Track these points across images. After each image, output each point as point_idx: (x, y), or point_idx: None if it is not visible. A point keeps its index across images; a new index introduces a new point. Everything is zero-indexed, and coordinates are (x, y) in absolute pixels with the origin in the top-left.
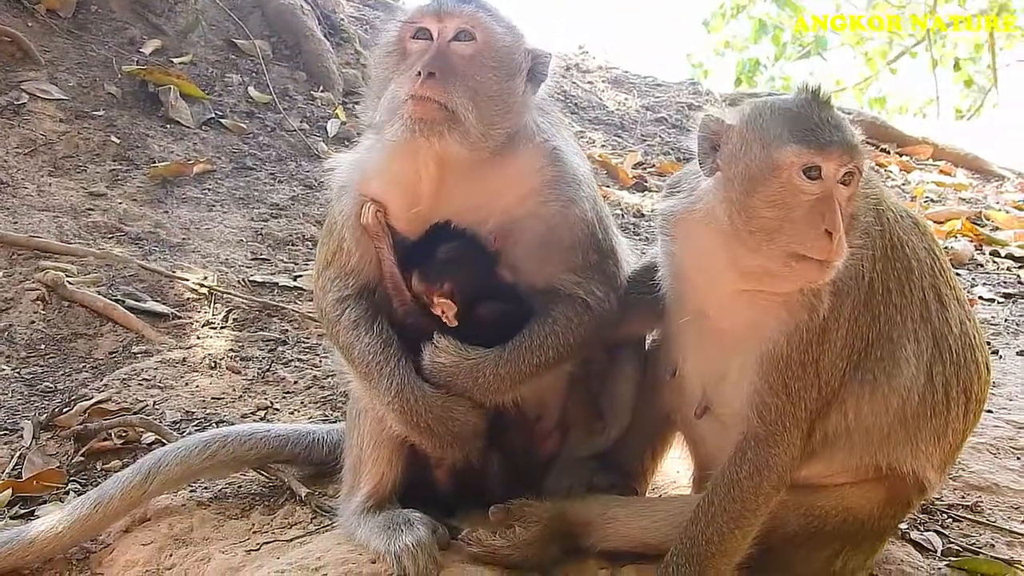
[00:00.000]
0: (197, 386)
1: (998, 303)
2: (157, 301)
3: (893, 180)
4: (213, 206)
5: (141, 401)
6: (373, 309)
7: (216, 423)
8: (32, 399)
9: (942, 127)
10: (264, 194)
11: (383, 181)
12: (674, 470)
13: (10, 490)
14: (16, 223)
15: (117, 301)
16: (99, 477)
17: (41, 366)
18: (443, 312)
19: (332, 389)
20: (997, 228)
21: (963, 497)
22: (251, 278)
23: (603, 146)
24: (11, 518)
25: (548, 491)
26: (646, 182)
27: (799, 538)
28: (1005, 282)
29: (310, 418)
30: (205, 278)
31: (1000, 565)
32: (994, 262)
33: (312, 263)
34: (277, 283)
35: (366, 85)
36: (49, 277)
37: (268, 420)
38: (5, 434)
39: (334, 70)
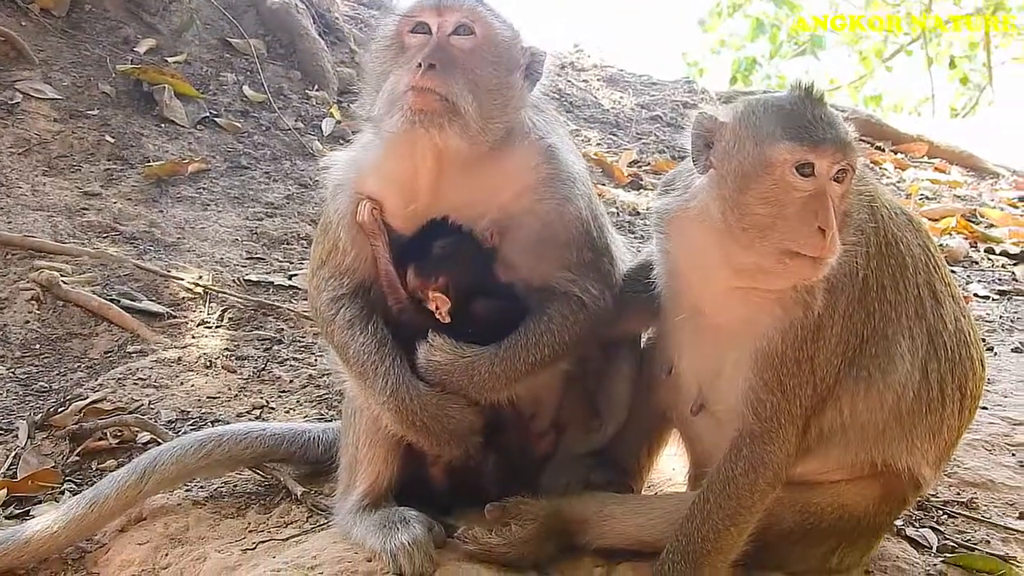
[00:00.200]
0: (192, 385)
1: (993, 300)
2: (152, 300)
3: (888, 178)
4: (208, 205)
5: (136, 400)
6: (368, 308)
7: (212, 422)
8: (27, 399)
9: (937, 125)
10: (259, 193)
11: (379, 178)
12: (670, 467)
13: (5, 490)
14: (10, 223)
15: (112, 300)
16: (94, 477)
17: (36, 366)
18: (437, 307)
19: (327, 388)
20: (992, 225)
21: (958, 493)
22: (246, 277)
23: (598, 144)
24: (6, 518)
25: (544, 489)
26: (641, 180)
27: (795, 535)
28: (1000, 279)
29: (305, 417)
30: (200, 277)
31: (995, 561)
32: (989, 259)
33: (307, 262)
34: (272, 282)
35: (362, 81)
36: (44, 277)
37: (264, 419)
38: (0, 434)
39: (329, 69)
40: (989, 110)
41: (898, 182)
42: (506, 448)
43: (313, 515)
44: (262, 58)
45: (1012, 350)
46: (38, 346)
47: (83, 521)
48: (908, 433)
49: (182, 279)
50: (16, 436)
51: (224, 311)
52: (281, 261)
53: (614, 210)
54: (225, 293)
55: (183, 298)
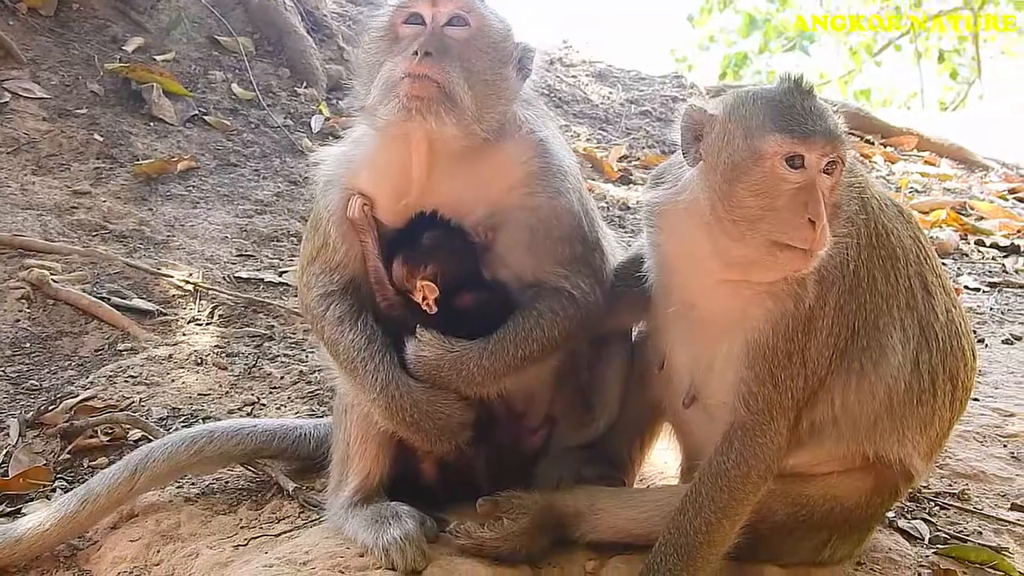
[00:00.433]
0: (183, 382)
1: (983, 292)
2: (142, 298)
3: (878, 171)
4: (197, 203)
5: (127, 398)
6: (358, 304)
7: (203, 419)
8: (18, 397)
9: (927, 118)
10: (248, 190)
11: (371, 173)
12: (662, 461)
13: None
14: (0, 222)
15: (102, 299)
16: (86, 474)
17: (26, 364)
18: (424, 297)
19: (318, 384)
20: (982, 218)
21: (950, 485)
22: (236, 274)
23: (588, 140)
24: None
25: (536, 483)
26: (631, 175)
27: (787, 527)
28: (990, 271)
29: (297, 413)
30: (190, 275)
31: (988, 552)
32: (979, 251)
33: (297, 259)
34: (262, 279)
35: (354, 75)
36: (34, 275)
37: (255, 415)
38: None
39: (317, 66)
40: (979, 104)
41: (888, 175)
42: (497, 443)
43: (305, 511)
44: (250, 56)
45: (1003, 341)
46: (28, 344)
47: (75, 518)
48: (899, 425)
49: (172, 277)
50: (7, 434)
51: (214, 308)
52: (271, 258)
53: (604, 205)
54: (215, 290)
55: (173, 296)
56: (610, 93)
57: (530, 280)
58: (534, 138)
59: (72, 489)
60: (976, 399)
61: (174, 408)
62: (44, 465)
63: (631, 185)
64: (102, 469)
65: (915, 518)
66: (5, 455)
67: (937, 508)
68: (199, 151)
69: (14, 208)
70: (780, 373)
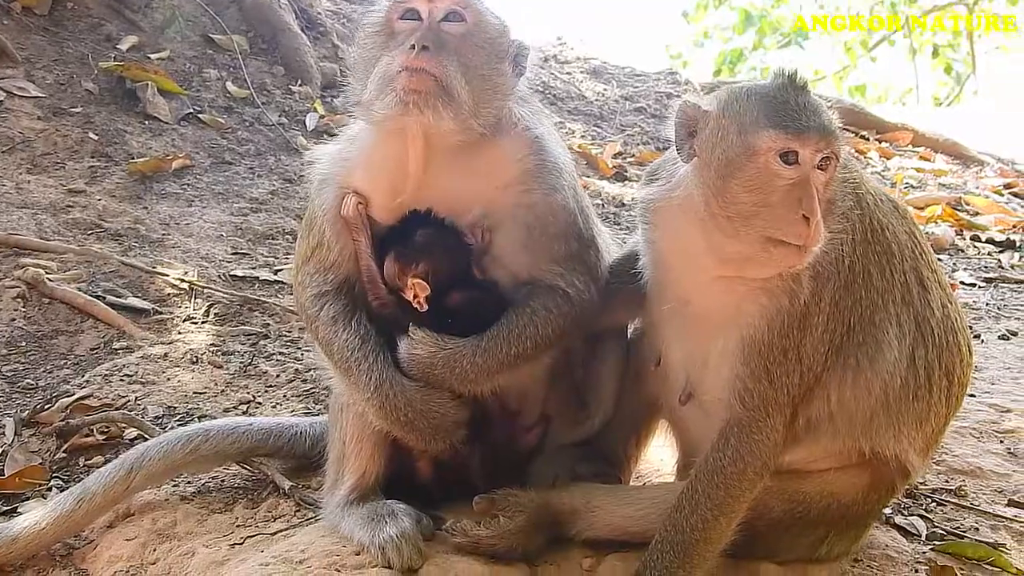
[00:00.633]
0: (179, 381)
1: (979, 287)
2: (138, 297)
3: (873, 166)
4: (192, 201)
5: (123, 397)
6: (352, 304)
7: (198, 417)
8: (13, 396)
9: (921, 114)
10: (243, 189)
11: (366, 171)
12: (658, 458)
13: None
14: None
15: (98, 297)
16: (81, 473)
17: (22, 363)
18: (415, 295)
19: (314, 382)
20: (977, 213)
21: (947, 481)
22: (232, 273)
23: (583, 136)
24: None
25: (532, 480)
26: (626, 172)
27: (784, 524)
28: (986, 267)
29: (292, 411)
30: (186, 273)
31: (984, 548)
32: (975, 247)
33: (292, 257)
34: (258, 277)
35: (349, 71)
36: (29, 274)
37: (250, 414)
38: None
39: (312, 64)
40: (974, 99)
41: (883, 171)
42: (492, 441)
43: (301, 509)
44: (245, 54)
45: (999, 337)
46: (24, 343)
47: (71, 517)
48: (895, 421)
49: (167, 275)
50: (3, 433)
51: (210, 307)
52: (266, 256)
53: (599, 202)
54: (211, 289)
55: (169, 294)
56: (605, 90)
57: (525, 278)
58: (530, 135)
59: (68, 488)
60: (972, 395)
61: (170, 407)
62: (40, 464)
63: (626, 182)
64: (98, 468)
65: (912, 514)
66: (1, 454)
67: (934, 504)
68: (194, 149)
69: (9, 207)
70: (776, 369)
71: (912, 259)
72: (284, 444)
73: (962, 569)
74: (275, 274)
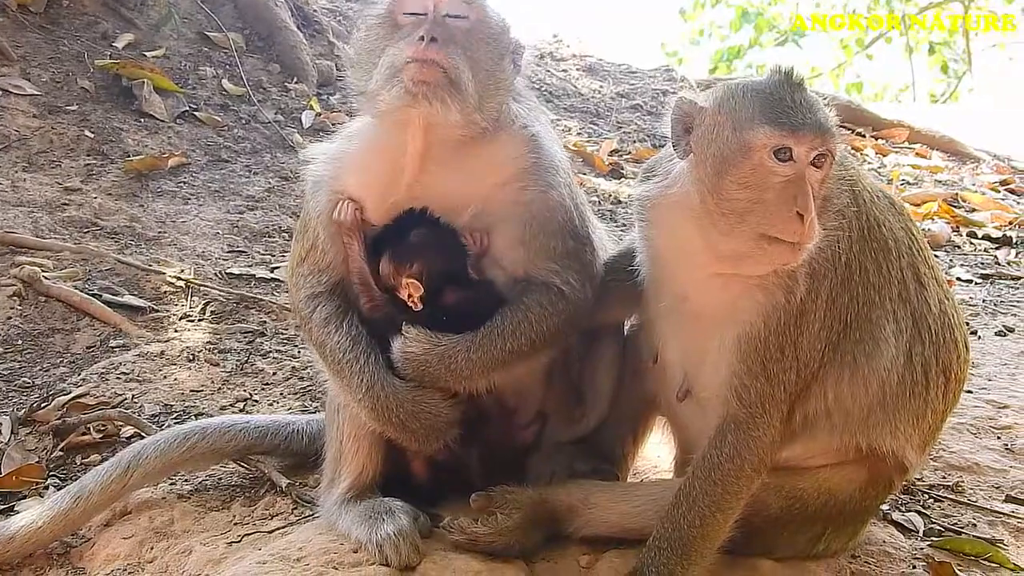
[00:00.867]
0: (175, 379)
1: (976, 284)
2: (134, 295)
3: (869, 163)
4: (189, 199)
5: (119, 395)
6: (345, 306)
7: (195, 415)
8: (10, 395)
9: (918, 111)
10: (240, 186)
11: (360, 173)
12: (655, 454)
13: None
14: None
15: (94, 295)
16: (78, 471)
17: (18, 361)
18: (410, 295)
19: (311, 380)
20: (974, 209)
21: (944, 477)
22: (228, 270)
23: (578, 134)
24: None
25: (530, 478)
26: (622, 169)
27: (781, 520)
28: (982, 263)
29: (289, 409)
30: (182, 271)
31: (982, 545)
32: (971, 243)
33: (288, 254)
34: (254, 275)
35: (350, 63)
36: (25, 272)
37: (247, 412)
38: None
39: (308, 61)
40: (970, 96)
41: (879, 168)
42: (489, 440)
43: (298, 507)
44: (241, 51)
45: (996, 333)
46: (20, 342)
47: (68, 516)
48: (893, 417)
49: (164, 273)
50: None
51: (206, 304)
52: (263, 254)
53: (595, 199)
54: (207, 286)
55: (165, 292)
56: (600, 87)
57: (520, 275)
58: (527, 133)
59: (65, 487)
60: (969, 391)
61: (166, 405)
62: (37, 462)
63: (622, 179)
64: (95, 466)
65: (909, 511)
66: None
67: (931, 501)
68: (190, 147)
69: (5, 205)
70: (772, 366)
71: (909, 256)
72: (281, 442)
73: (960, 565)
74: (271, 272)
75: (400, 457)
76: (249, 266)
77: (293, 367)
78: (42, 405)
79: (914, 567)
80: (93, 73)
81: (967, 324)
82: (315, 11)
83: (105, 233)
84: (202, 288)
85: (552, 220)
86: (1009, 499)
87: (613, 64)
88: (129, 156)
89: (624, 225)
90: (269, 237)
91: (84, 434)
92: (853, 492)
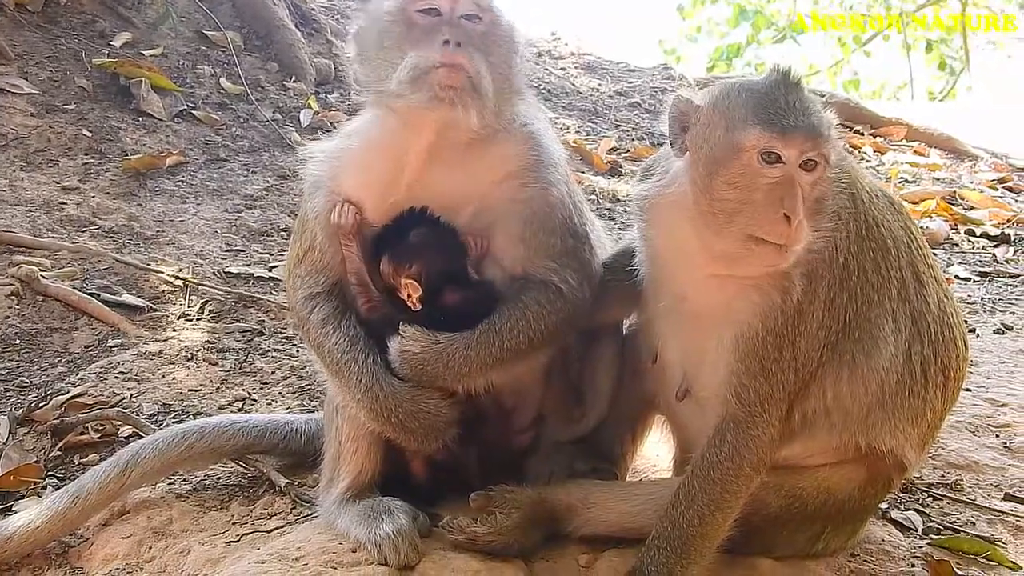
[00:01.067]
0: (174, 378)
1: (974, 282)
2: (132, 294)
3: (867, 161)
4: (187, 198)
5: (118, 394)
6: (343, 306)
7: (193, 415)
8: (8, 394)
9: (916, 108)
10: (238, 185)
11: (359, 173)
12: (654, 454)
13: None
14: None
15: (92, 295)
16: (77, 471)
17: (16, 361)
18: (409, 295)
19: (309, 379)
20: (972, 207)
21: (943, 476)
22: (226, 269)
23: (577, 132)
24: None
25: (529, 477)
26: (620, 167)
27: (781, 519)
28: (981, 261)
29: (288, 408)
30: (180, 270)
31: (981, 543)
32: (969, 241)
33: (287, 253)
34: (252, 274)
35: (358, 57)
36: (23, 271)
37: (246, 411)
38: None
39: (306, 60)
40: (968, 94)
41: (877, 166)
42: (487, 440)
43: (297, 506)
44: (239, 50)
45: (994, 331)
46: (18, 341)
47: (66, 516)
48: (892, 416)
49: (162, 272)
50: None
51: (204, 303)
52: (261, 253)
53: (593, 197)
54: (205, 285)
55: (163, 291)
56: (599, 85)
57: (518, 274)
58: (526, 130)
59: (63, 486)
60: (968, 389)
61: (165, 404)
62: (35, 462)
63: (620, 177)
64: (93, 466)
65: (908, 509)
66: None
67: (930, 499)
68: (188, 146)
69: (2, 204)
70: (771, 366)
71: (908, 255)
72: (280, 441)
73: (958, 563)
74: (270, 271)
75: (399, 457)
76: (247, 265)
77: (291, 366)
78: (40, 405)
79: (913, 565)
80: (91, 72)
81: (966, 322)
82: (313, 10)
83: (103, 232)
84: (200, 287)
85: (552, 217)
86: (1008, 497)
87: (611, 62)
88: (127, 155)
89: (623, 224)
90: (267, 236)
91: (82, 434)
92: (852, 491)
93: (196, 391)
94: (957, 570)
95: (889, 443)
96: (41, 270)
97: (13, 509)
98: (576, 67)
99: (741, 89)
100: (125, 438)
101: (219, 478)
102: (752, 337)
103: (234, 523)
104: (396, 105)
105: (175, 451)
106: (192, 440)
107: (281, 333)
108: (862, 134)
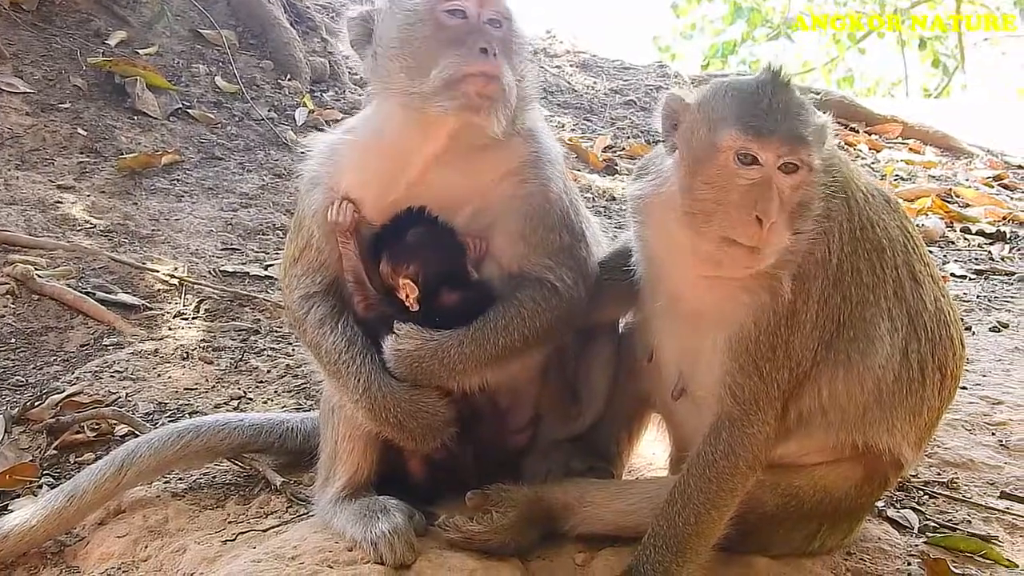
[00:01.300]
0: (170, 377)
1: (970, 280)
2: (128, 293)
3: (863, 159)
4: (182, 197)
5: (114, 393)
6: (340, 306)
7: (189, 414)
8: (3, 393)
9: (911, 106)
10: (233, 184)
11: (358, 170)
12: (650, 452)
13: None
14: None
15: (87, 294)
16: (72, 470)
17: (12, 360)
18: (407, 295)
19: (305, 377)
20: (967, 205)
21: (939, 474)
22: (222, 268)
23: (572, 130)
24: None
25: (525, 476)
26: (616, 165)
27: (777, 518)
28: (976, 259)
29: (283, 407)
30: (176, 269)
31: (977, 542)
32: (965, 239)
33: (282, 252)
34: (248, 273)
35: (387, 55)
36: (18, 271)
37: (241, 410)
38: None
39: (301, 58)
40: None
41: (873, 163)
42: (483, 439)
43: (293, 505)
44: (234, 49)
45: (990, 329)
46: (13, 340)
47: (62, 515)
48: (889, 414)
49: (157, 271)
50: None
51: (200, 302)
52: (257, 251)
53: (589, 195)
54: (201, 284)
55: (159, 290)
56: (594, 83)
57: (514, 271)
58: (525, 128)
59: (59, 485)
60: (964, 387)
61: (160, 403)
62: (31, 461)
63: (616, 175)
64: (89, 465)
65: (904, 507)
66: None
67: (926, 497)
68: (183, 145)
69: None
70: (765, 365)
71: (904, 254)
72: (275, 440)
73: (954, 562)
74: (265, 270)
75: (396, 456)
76: (243, 264)
77: (287, 365)
78: (36, 404)
79: (909, 564)
80: (86, 71)
81: (961, 320)
82: (308, 8)
83: (98, 231)
84: (196, 286)
85: (551, 213)
86: (1004, 495)
87: (607, 60)
88: (122, 154)
89: (618, 222)
90: (263, 235)
91: (78, 432)
92: (849, 489)
93: (192, 390)
94: (953, 568)
95: (886, 441)
96: (36, 269)
97: (9, 508)
98: (571, 65)
99: (728, 89)
100: (121, 437)
101: (215, 477)
102: (745, 337)
103: (230, 522)
104: (421, 107)
105: (171, 450)
106: (188, 439)
107: (277, 332)
108: (857, 131)
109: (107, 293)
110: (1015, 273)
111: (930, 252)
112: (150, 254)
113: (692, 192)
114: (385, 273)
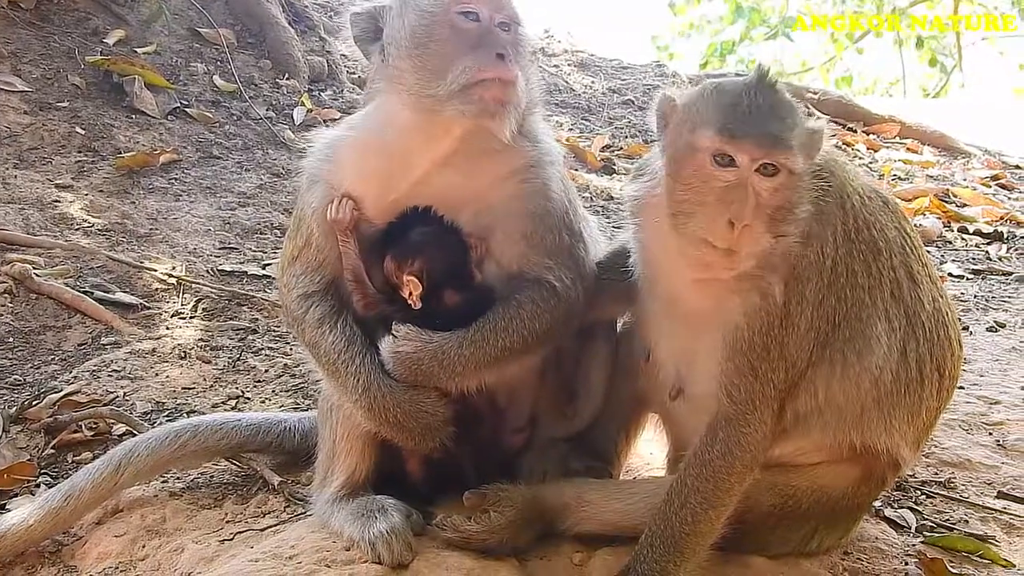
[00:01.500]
0: (167, 376)
1: (967, 279)
2: (126, 292)
3: (860, 158)
4: (180, 196)
5: (111, 392)
6: (339, 305)
7: (187, 413)
8: (1, 392)
9: (908, 105)
10: (231, 183)
11: (359, 169)
12: (648, 452)
13: None
14: None
15: (85, 293)
16: (70, 469)
17: (10, 359)
18: (410, 292)
19: (303, 377)
20: (965, 205)
21: (936, 473)
22: (220, 267)
23: (570, 129)
24: None
25: (523, 475)
26: (614, 165)
27: (774, 517)
28: (974, 258)
29: (281, 406)
30: (173, 268)
31: (973, 541)
32: (962, 239)
33: (280, 252)
34: (246, 272)
35: (400, 54)
36: (16, 270)
37: (239, 409)
38: None
39: (299, 58)
40: (960, 91)
41: (870, 163)
42: (481, 439)
43: (290, 505)
44: (232, 48)
45: (987, 329)
46: (11, 339)
47: (59, 514)
48: (886, 414)
49: (155, 270)
50: None
51: (198, 302)
52: (254, 251)
53: (587, 195)
54: (199, 283)
55: (156, 289)
56: (592, 82)
57: (514, 271)
58: (525, 128)
59: (56, 484)
60: (961, 387)
61: (158, 402)
62: (28, 460)
63: (614, 175)
64: (86, 464)
65: (901, 507)
66: None
67: (923, 497)
68: (181, 144)
69: None
70: (760, 365)
71: (902, 254)
72: (273, 439)
73: (952, 561)
74: (263, 269)
75: (394, 455)
76: (241, 263)
77: (285, 364)
78: (33, 403)
79: (906, 563)
80: (84, 69)
81: (959, 320)
82: (306, 7)
83: (96, 230)
84: (194, 285)
85: (552, 213)
86: (1001, 495)
87: (604, 59)
88: (120, 153)
89: (616, 222)
90: (261, 234)
91: (76, 432)
92: (846, 489)
93: (189, 389)
94: (950, 568)
95: (884, 441)
96: (34, 268)
97: (6, 507)
98: (569, 64)
99: (714, 90)
100: (118, 436)
101: (212, 476)
102: (740, 338)
103: (228, 521)
104: (436, 109)
105: (168, 449)
106: (185, 438)
107: (275, 331)
108: (855, 131)
109: (105, 292)
110: (1012, 273)
111: (928, 252)
112: (148, 253)
113: (674, 193)
114: (389, 270)
